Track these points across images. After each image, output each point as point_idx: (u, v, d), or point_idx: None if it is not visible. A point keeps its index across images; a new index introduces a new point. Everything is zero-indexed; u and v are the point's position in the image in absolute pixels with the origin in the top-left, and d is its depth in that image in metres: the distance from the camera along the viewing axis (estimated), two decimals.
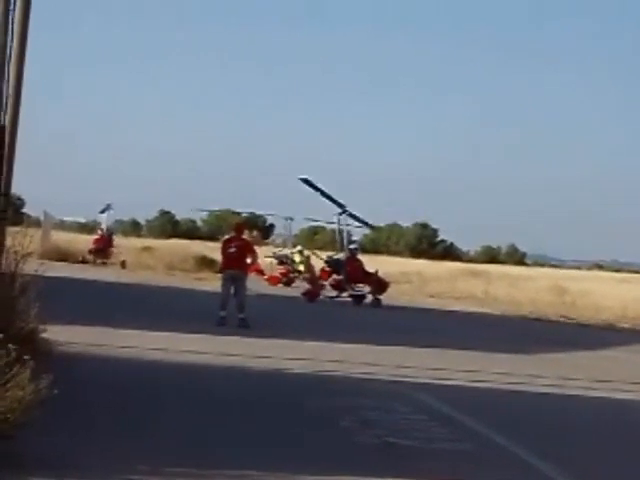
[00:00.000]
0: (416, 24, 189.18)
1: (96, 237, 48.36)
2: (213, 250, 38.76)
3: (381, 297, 32.80)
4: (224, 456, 8.17)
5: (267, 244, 66.14)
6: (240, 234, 21.78)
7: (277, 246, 49.78)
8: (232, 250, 20.84)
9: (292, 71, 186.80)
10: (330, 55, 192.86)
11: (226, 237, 22.44)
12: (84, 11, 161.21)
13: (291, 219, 45.95)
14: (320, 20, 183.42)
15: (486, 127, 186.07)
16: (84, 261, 45.86)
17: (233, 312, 20.14)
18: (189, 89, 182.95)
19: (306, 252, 41.16)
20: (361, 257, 35.44)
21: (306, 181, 34.57)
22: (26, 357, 7.82)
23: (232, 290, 20.59)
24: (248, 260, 21.33)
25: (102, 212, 50.75)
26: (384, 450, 8.98)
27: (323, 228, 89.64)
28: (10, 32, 11.95)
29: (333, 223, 38.57)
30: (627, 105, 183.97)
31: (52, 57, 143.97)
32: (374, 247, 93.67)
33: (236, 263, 20.78)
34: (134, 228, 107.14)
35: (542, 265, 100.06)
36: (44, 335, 12.41)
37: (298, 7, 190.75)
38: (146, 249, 52.46)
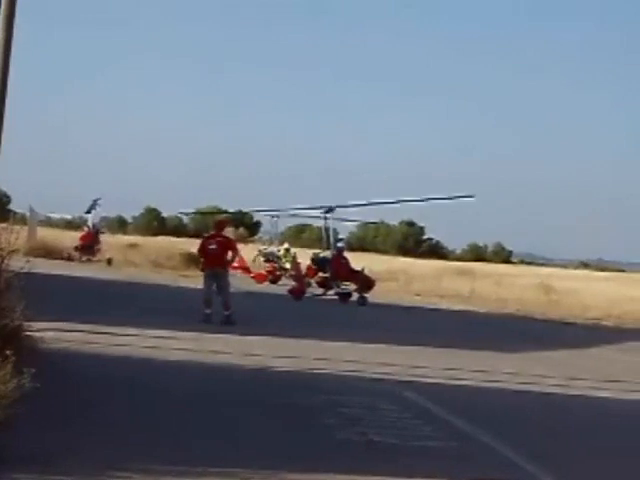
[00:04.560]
0: (415, 25, 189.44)
1: (82, 234, 48.18)
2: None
3: (367, 295, 32.84)
4: (209, 453, 8.19)
5: (253, 241, 66.15)
6: (221, 231, 21.78)
7: (264, 243, 49.67)
8: (213, 247, 20.83)
9: (286, 70, 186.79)
10: (326, 53, 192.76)
11: (206, 234, 22.38)
12: (76, 8, 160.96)
13: (277, 217, 45.88)
14: (320, 21, 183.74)
15: (476, 127, 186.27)
16: (70, 258, 45.70)
17: (219, 309, 20.15)
18: (180, 87, 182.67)
19: (292, 250, 41.15)
20: (347, 255, 35.46)
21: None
22: (8, 352, 7.82)
23: (214, 287, 20.58)
24: (229, 256, 21.27)
25: (88, 211, 50.56)
26: (368, 448, 9.01)
27: (310, 226, 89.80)
28: None
29: (316, 216, 38.70)
30: (620, 106, 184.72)
31: (39, 52, 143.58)
32: (361, 245, 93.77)
33: (217, 260, 20.73)
34: (120, 225, 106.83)
35: (528, 263, 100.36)
36: (29, 332, 12.40)
37: (299, 8, 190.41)
38: (132, 246, 52.35)
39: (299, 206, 42.28)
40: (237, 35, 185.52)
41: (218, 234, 21.46)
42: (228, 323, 19.65)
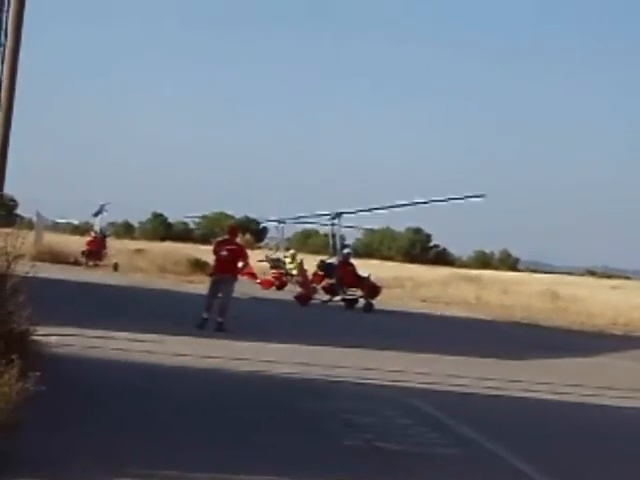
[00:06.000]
0: (416, 29, 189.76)
1: (89, 239, 48.30)
2: (206, 253, 38.89)
3: (373, 301, 32.83)
4: (213, 458, 8.19)
5: (260, 247, 66.19)
6: (234, 237, 21.41)
7: (270, 249, 49.73)
8: (224, 254, 20.49)
9: (290, 75, 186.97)
10: (329, 59, 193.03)
11: (219, 239, 21.96)
12: (78, 11, 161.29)
13: (284, 223, 45.95)
14: (321, 25, 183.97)
15: (482, 132, 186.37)
16: (77, 263, 45.81)
17: (228, 316, 19.93)
18: (187, 92, 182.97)
19: (299, 256, 41.17)
20: (354, 261, 35.45)
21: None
22: (14, 357, 7.85)
23: (219, 293, 20.33)
24: (239, 264, 21.11)
25: (96, 215, 50.69)
26: (372, 454, 9.00)
27: (316, 232, 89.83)
28: (3, 32, 12.00)
29: (325, 225, 38.68)
30: (625, 112, 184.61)
31: (44, 57, 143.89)
32: (367, 251, 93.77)
33: (226, 267, 20.46)
34: (127, 230, 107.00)
35: (534, 271, 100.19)
36: (35, 337, 12.41)
37: (299, 12, 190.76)
38: (139, 251, 52.43)
39: (305, 214, 42.32)
40: (241, 38, 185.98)
41: (231, 241, 21.12)
42: (219, 330, 19.40)
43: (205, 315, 19.83)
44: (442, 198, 36.53)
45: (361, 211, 37.19)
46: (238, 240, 22.14)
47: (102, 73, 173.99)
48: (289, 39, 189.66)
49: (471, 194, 36.22)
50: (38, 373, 7.89)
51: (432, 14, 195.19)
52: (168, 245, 67.52)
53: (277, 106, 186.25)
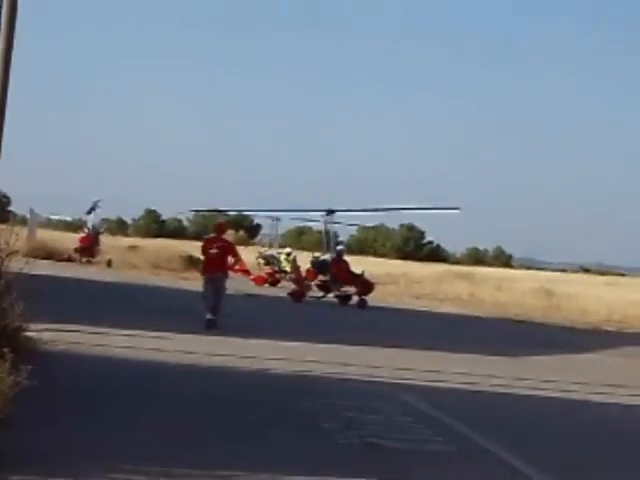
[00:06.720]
0: (416, 29, 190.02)
1: (82, 235, 48.20)
2: (199, 249, 38.97)
3: (367, 298, 32.84)
4: (207, 456, 8.17)
5: (253, 244, 66.16)
6: (221, 234, 21.26)
7: (263, 246, 49.68)
8: (214, 251, 20.37)
9: (290, 75, 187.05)
10: (329, 59, 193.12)
11: (208, 237, 21.64)
12: (76, 9, 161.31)
13: (277, 219, 45.91)
14: (321, 25, 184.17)
15: (477, 130, 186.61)
16: (70, 259, 45.72)
17: (222, 313, 19.85)
18: (185, 91, 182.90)
19: (293, 254, 41.16)
20: (347, 258, 35.46)
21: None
22: (6, 350, 7.83)
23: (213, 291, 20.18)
24: (230, 260, 21.01)
25: (89, 212, 50.57)
26: (367, 451, 8.99)
27: (310, 229, 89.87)
28: None
29: (317, 221, 38.71)
30: (621, 108, 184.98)
31: (40, 54, 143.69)
32: (360, 248, 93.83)
33: (218, 265, 20.34)
34: (120, 227, 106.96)
35: (528, 268, 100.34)
36: (28, 333, 12.39)
37: (299, 12, 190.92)
38: (132, 248, 52.41)
39: (299, 209, 42.34)
40: (240, 38, 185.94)
41: (219, 238, 20.96)
42: (213, 327, 19.33)
43: (209, 316, 19.66)
44: (417, 206, 37.47)
45: (348, 211, 37.34)
46: (226, 237, 21.97)
47: (99, 73, 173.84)
48: (289, 39, 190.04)
49: (447, 206, 36.85)
50: (30, 367, 7.86)
51: (432, 14, 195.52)
52: (161, 242, 67.52)
53: (277, 106, 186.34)
